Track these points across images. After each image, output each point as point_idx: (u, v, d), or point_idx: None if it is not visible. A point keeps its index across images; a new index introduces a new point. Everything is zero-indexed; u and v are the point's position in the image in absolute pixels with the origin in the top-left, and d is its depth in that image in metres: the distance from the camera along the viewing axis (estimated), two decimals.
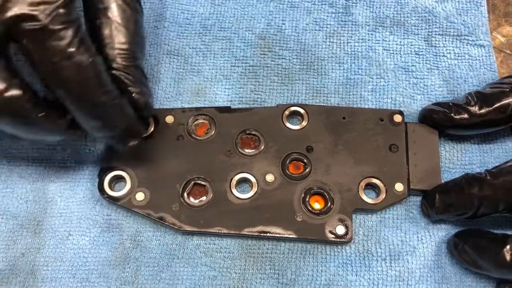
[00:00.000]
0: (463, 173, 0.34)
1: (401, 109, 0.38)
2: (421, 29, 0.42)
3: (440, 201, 0.33)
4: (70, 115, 0.29)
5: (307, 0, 0.43)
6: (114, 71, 0.30)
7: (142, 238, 0.34)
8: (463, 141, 0.37)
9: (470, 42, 0.41)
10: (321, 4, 0.43)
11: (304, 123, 0.37)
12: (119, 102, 0.29)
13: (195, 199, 0.34)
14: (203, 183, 0.35)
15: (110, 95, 0.28)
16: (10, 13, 0.25)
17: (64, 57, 0.26)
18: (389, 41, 0.41)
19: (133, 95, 0.30)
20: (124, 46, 0.30)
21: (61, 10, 0.25)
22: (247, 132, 0.37)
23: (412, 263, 0.34)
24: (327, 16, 0.42)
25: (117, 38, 0.30)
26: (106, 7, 0.30)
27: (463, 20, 0.42)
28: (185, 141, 0.36)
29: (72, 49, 0.26)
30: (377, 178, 0.35)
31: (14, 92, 0.26)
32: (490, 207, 0.31)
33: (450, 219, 0.34)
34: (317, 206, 0.34)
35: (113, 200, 0.34)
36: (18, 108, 0.27)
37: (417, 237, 0.34)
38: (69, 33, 0.26)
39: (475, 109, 0.34)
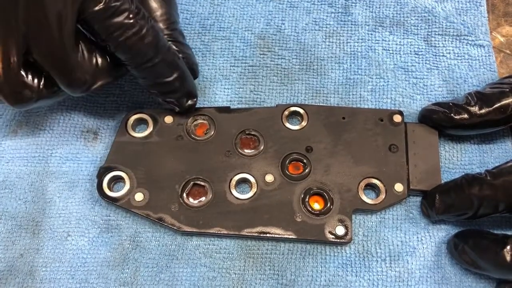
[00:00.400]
0: (463, 173, 0.34)
1: (401, 109, 0.38)
2: (421, 29, 0.42)
3: (440, 201, 0.33)
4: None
5: (307, 0, 0.43)
6: None
7: (141, 238, 0.34)
8: (463, 141, 0.37)
9: (469, 42, 0.41)
10: (321, 4, 0.42)
11: (304, 123, 0.37)
12: (179, 59, 0.33)
13: (194, 199, 0.34)
14: (202, 183, 0.35)
15: (170, 54, 0.32)
16: None
17: (126, 28, 0.29)
18: (389, 41, 0.41)
19: (181, 57, 0.34)
20: (166, 16, 0.34)
21: None
22: (247, 132, 0.36)
23: (412, 263, 0.33)
24: (327, 16, 0.42)
25: (157, 11, 0.34)
26: None
27: (462, 20, 0.42)
28: (184, 142, 0.36)
29: (131, 21, 0.29)
30: (377, 179, 0.35)
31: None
32: (490, 207, 0.31)
33: (450, 219, 0.34)
34: (316, 206, 0.34)
35: (112, 201, 0.34)
36: None
37: (417, 237, 0.34)
38: (126, 6, 0.29)
39: (475, 109, 0.34)
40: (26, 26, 0.28)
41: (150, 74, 0.32)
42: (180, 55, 0.34)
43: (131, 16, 0.29)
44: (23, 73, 0.29)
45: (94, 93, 0.34)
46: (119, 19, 0.29)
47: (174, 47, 0.34)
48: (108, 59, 0.31)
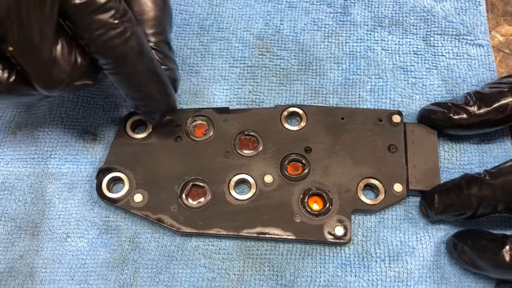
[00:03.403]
0: (462, 173, 0.33)
1: (400, 109, 0.38)
2: (420, 28, 0.42)
3: (439, 201, 0.33)
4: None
5: (305, 0, 0.43)
6: None
7: (140, 239, 0.34)
8: (462, 141, 0.37)
9: (468, 42, 0.41)
10: (319, 4, 0.42)
11: (303, 124, 0.37)
12: (161, 70, 0.31)
13: (193, 200, 0.34)
14: (201, 184, 0.35)
15: (152, 63, 0.30)
16: None
17: (109, 28, 0.27)
18: (388, 41, 0.41)
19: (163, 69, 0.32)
20: (153, 22, 0.32)
21: None
22: (246, 133, 0.36)
23: (411, 263, 0.34)
24: (325, 16, 0.42)
25: (147, 14, 0.32)
26: None
27: (461, 20, 0.42)
28: (183, 142, 0.36)
29: (116, 21, 0.27)
30: (376, 179, 0.35)
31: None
32: (489, 207, 0.31)
33: (449, 219, 0.34)
34: (315, 207, 0.34)
35: (111, 202, 0.34)
36: None
37: (416, 237, 0.34)
38: (112, 4, 0.27)
39: (474, 109, 0.34)
40: (5, 8, 0.25)
41: (128, 81, 0.30)
42: (163, 67, 0.32)
43: (116, 15, 0.27)
44: None
45: (70, 93, 0.32)
46: (103, 16, 0.26)
47: (157, 57, 0.32)
48: (88, 60, 0.29)
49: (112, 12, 0.27)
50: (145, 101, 0.32)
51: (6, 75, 0.28)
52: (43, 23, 0.26)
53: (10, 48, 0.27)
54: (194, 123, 0.37)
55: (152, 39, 0.32)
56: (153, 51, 0.31)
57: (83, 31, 0.27)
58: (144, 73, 0.29)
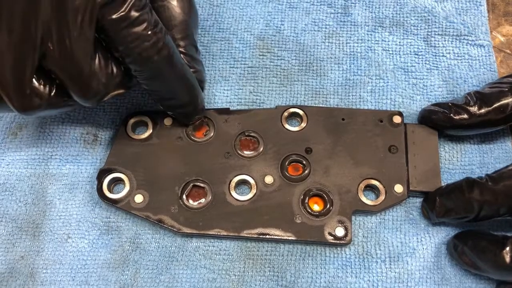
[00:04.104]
0: (463, 174, 0.34)
1: (401, 110, 0.38)
2: (421, 29, 0.42)
3: (441, 204, 0.33)
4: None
5: (306, 1, 0.43)
6: None
7: (141, 240, 0.34)
8: (463, 141, 0.37)
9: (469, 42, 0.41)
10: (320, 5, 0.42)
11: (303, 125, 0.37)
12: (190, 74, 0.32)
13: (194, 201, 0.34)
14: (202, 185, 0.35)
15: (182, 69, 0.31)
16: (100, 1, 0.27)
17: (144, 40, 0.28)
18: (388, 41, 0.41)
19: (192, 71, 0.33)
20: (181, 27, 0.33)
21: None
22: (246, 133, 0.36)
23: (412, 264, 0.33)
24: (326, 16, 0.42)
25: (175, 19, 0.33)
26: None
27: (462, 20, 0.42)
28: (184, 143, 0.36)
29: (149, 32, 0.28)
30: (377, 180, 0.35)
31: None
32: (490, 211, 0.31)
33: (451, 222, 0.34)
34: (316, 207, 0.34)
35: (112, 203, 0.34)
36: None
37: (417, 238, 0.34)
38: (145, 17, 0.28)
39: (474, 109, 0.34)
40: (46, 27, 0.26)
41: (161, 88, 0.31)
42: (191, 70, 0.33)
43: (149, 27, 0.28)
44: (34, 79, 0.28)
45: (106, 102, 0.33)
46: (137, 29, 0.28)
47: (185, 61, 0.33)
48: (122, 69, 0.30)
49: (145, 24, 0.28)
50: (176, 104, 0.33)
51: (47, 89, 0.29)
52: (83, 40, 0.27)
53: (52, 64, 0.28)
54: (194, 124, 0.37)
55: (181, 43, 0.33)
56: (181, 55, 0.33)
57: (118, 43, 0.28)
58: (175, 79, 0.31)
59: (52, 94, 0.29)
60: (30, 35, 0.26)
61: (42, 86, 0.28)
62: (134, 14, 0.27)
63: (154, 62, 0.29)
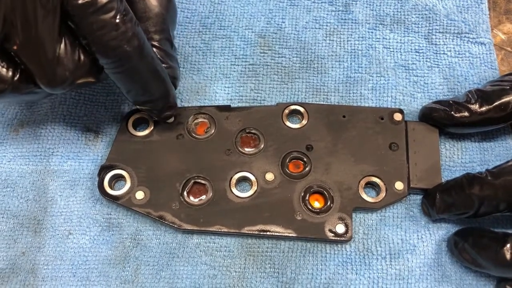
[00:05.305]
0: (464, 172, 0.34)
1: (401, 107, 0.38)
2: (422, 27, 0.42)
3: (441, 200, 0.33)
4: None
5: None
6: None
7: (142, 237, 0.34)
8: (464, 139, 0.37)
9: (470, 40, 0.41)
10: (321, 2, 0.42)
11: (304, 122, 0.37)
12: (161, 68, 0.31)
13: (195, 198, 0.35)
14: (203, 182, 0.35)
15: (152, 62, 0.30)
16: None
17: (111, 29, 0.27)
18: (389, 39, 0.41)
19: (164, 67, 0.32)
20: (156, 20, 0.32)
21: None
22: (247, 131, 0.37)
23: (412, 261, 0.34)
24: (327, 14, 0.42)
25: (150, 11, 0.32)
26: None
27: (463, 18, 0.42)
28: (185, 140, 0.36)
29: (117, 20, 0.27)
30: (377, 177, 0.35)
31: None
32: (490, 206, 0.31)
33: (451, 218, 0.34)
34: (317, 204, 0.34)
35: (113, 199, 0.34)
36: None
37: (417, 235, 0.34)
38: (114, 5, 0.27)
39: (475, 107, 0.34)
40: (9, 7, 0.25)
41: (129, 80, 0.30)
42: (164, 65, 0.32)
43: (118, 16, 0.27)
44: None
45: (72, 91, 0.33)
46: (104, 17, 0.26)
47: (158, 55, 0.32)
48: (91, 58, 0.29)
49: (113, 12, 0.27)
50: (145, 99, 0.32)
51: (10, 73, 0.28)
52: (47, 22, 0.26)
53: (15, 47, 0.27)
54: (195, 121, 0.37)
55: (155, 36, 0.32)
56: (154, 49, 0.32)
57: (85, 31, 0.27)
58: (144, 72, 0.30)
59: (16, 79, 0.28)
60: None
61: (4, 69, 0.27)
62: (102, 0, 0.26)
63: (122, 53, 0.28)
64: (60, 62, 0.28)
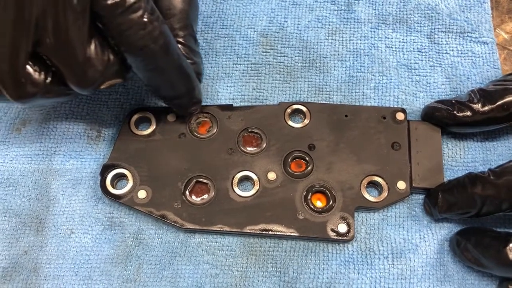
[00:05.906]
0: (466, 171, 0.33)
1: (404, 106, 0.38)
2: (424, 26, 0.41)
3: (443, 200, 0.33)
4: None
5: None
6: None
7: (144, 236, 0.34)
8: (466, 138, 0.37)
9: (473, 39, 0.41)
10: (323, 2, 0.42)
11: (306, 121, 0.37)
12: (187, 65, 0.32)
13: (197, 197, 0.35)
14: (205, 181, 0.35)
15: (179, 59, 0.31)
16: None
17: (139, 28, 0.27)
18: (392, 38, 0.41)
19: (189, 63, 0.32)
20: (180, 16, 0.33)
21: None
22: (249, 130, 0.36)
23: (415, 261, 0.33)
24: (329, 13, 0.42)
25: (174, 8, 0.33)
26: None
27: (466, 17, 0.42)
28: (187, 139, 0.36)
29: (145, 19, 0.27)
30: (380, 176, 0.35)
31: None
32: (493, 206, 0.31)
33: (453, 217, 0.34)
34: (319, 204, 0.34)
35: (115, 198, 0.34)
36: None
37: (420, 235, 0.34)
38: (141, 4, 0.27)
39: (478, 106, 0.34)
40: (41, 12, 0.26)
41: (156, 78, 0.31)
42: (189, 61, 0.32)
43: (145, 15, 0.27)
44: (29, 66, 0.27)
45: (102, 91, 0.33)
46: (132, 16, 0.27)
47: (183, 52, 0.32)
48: (119, 57, 0.29)
49: (141, 11, 0.27)
50: (173, 95, 0.33)
51: (42, 77, 0.28)
52: (77, 25, 0.27)
53: (46, 51, 0.27)
54: (198, 120, 0.37)
55: (179, 33, 0.33)
56: (179, 45, 0.32)
57: (113, 31, 0.28)
58: (171, 69, 0.30)
59: (48, 81, 0.28)
60: (23, 20, 0.26)
61: (37, 73, 0.28)
62: (129, 0, 0.27)
63: (150, 51, 0.28)
64: (90, 63, 0.28)
